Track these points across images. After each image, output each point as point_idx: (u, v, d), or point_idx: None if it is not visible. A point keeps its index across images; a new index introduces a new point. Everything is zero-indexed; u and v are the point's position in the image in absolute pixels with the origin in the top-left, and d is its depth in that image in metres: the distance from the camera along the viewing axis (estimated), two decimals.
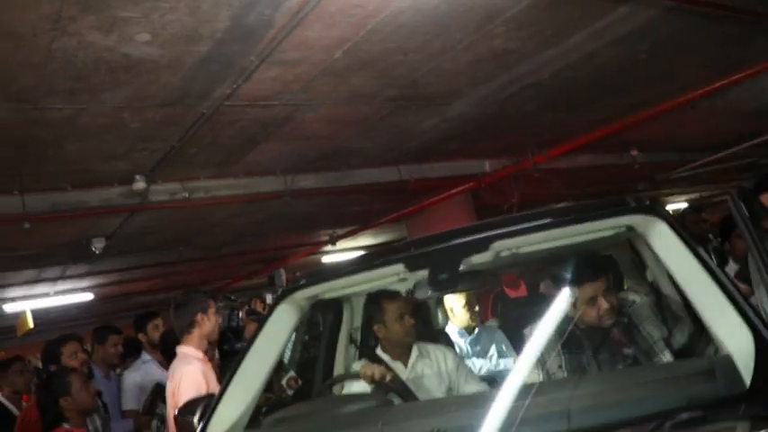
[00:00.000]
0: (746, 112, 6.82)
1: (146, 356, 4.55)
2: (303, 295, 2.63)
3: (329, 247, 9.42)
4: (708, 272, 1.95)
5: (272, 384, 2.87)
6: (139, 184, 4.85)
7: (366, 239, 9.68)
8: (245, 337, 3.89)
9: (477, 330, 3.78)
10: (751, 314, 1.78)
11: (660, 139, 7.44)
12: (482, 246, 2.27)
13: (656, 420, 1.47)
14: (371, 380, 2.32)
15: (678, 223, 2.17)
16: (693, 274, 2.00)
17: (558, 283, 2.60)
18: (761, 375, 1.58)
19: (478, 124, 5.36)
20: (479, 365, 3.65)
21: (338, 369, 3.21)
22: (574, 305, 2.43)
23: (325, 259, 10.47)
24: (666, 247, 2.14)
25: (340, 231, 8.84)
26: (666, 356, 2.45)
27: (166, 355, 4.16)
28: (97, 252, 6.47)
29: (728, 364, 1.64)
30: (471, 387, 2.85)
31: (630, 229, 2.36)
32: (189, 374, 3.19)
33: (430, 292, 2.30)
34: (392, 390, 2.28)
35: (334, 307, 3.27)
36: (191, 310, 3.41)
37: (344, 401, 2.21)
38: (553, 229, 2.31)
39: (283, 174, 5.62)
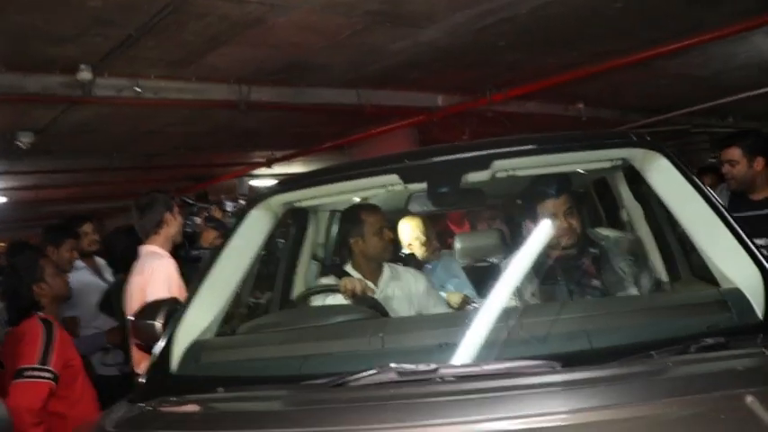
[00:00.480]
0: (698, 79, 6.96)
1: (79, 263, 4.22)
2: (279, 201, 2.48)
3: (262, 171, 9.16)
4: (713, 209, 1.94)
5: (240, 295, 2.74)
6: (84, 75, 4.44)
7: (301, 167, 9.46)
8: (202, 244, 3.70)
9: (433, 263, 3.74)
10: (756, 251, 1.78)
11: (608, 96, 7.53)
12: (483, 163, 2.18)
13: (675, 345, 1.44)
14: (352, 294, 2.21)
15: (680, 159, 2.16)
16: (696, 211, 1.98)
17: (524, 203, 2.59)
18: None
19: (445, 54, 5.22)
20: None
21: (299, 285, 3.09)
22: (533, 223, 2.44)
23: (255, 183, 10.15)
24: (667, 182, 2.12)
25: (278, 154, 8.59)
26: (632, 292, 2.47)
27: (112, 259, 3.92)
28: (23, 147, 5.99)
29: (740, 296, 1.63)
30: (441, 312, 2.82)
31: (625, 164, 2.35)
32: (161, 268, 3.02)
33: (428, 206, 2.20)
34: (373, 306, 2.18)
35: (297, 220, 3.12)
36: (158, 209, 3.23)
37: (327, 312, 2.10)
38: (555, 153, 2.27)
39: (238, 83, 5.31)
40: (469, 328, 1.67)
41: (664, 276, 2.77)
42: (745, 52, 5.95)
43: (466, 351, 1.58)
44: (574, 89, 6.58)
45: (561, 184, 2.50)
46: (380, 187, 2.37)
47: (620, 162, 2.36)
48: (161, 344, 1.90)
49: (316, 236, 3.21)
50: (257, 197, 2.47)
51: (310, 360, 1.63)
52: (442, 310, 2.86)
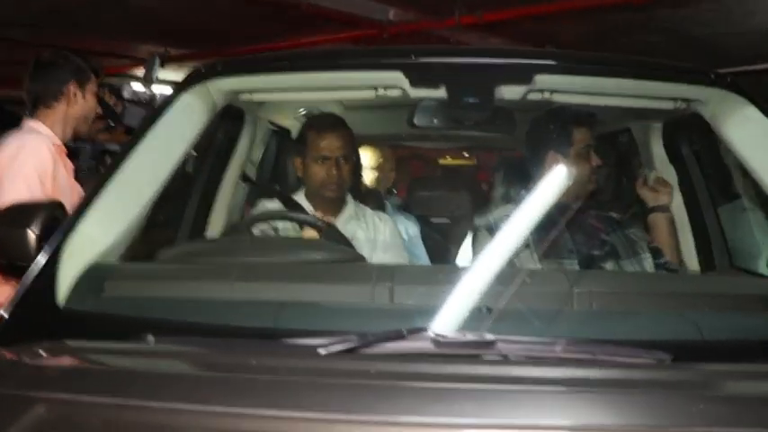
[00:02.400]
0: (695, 40, 6.93)
1: None
2: (222, 87, 2.10)
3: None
4: None
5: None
6: None
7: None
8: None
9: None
10: None
11: (584, 46, 7.41)
12: (524, 74, 1.91)
13: None
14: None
15: None
16: None
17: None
18: None
19: None
20: None
21: (220, 209, 2.72)
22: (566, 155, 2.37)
23: (135, 86, 9.33)
24: (755, 137, 1.93)
25: (174, 51, 7.93)
26: (647, 259, 2.41)
27: None
28: None
29: None
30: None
31: (687, 110, 2.16)
32: (32, 145, 2.58)
33: (444, 122, 1.90)
34: (342, 247, 1.87)
35: (227, 124, 2.74)
36: (63, 76, 2.76)
37: (297, 247, 1.76)
38: (614, 77, 2.03)
39: None
40: (517, 290, 1.40)
41: (693, 259, 2.64)
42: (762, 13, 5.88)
43: (519, 322, 1.31)
44: (549, 28, 6.38)
45: (586, 113, 2.42)
46: (369, 88, 2.05)
47: (682, 105, 2.17)
48: (38, 263, 1.52)
49: (250, 150, 2.84)
50: (192, 78, 2.08)
51: (290, 309, 1.30)
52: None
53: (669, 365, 1.14)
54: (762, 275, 2.65)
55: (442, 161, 7.61)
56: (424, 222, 3.55)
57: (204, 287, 1.43)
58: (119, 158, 1.84)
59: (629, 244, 2.44)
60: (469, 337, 1.15)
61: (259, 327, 1.26)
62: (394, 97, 2.05)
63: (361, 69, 1.99)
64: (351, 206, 2.63)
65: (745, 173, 3.37)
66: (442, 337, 1.14)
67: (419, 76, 1.90)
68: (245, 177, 2.86)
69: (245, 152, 2.81)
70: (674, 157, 2.75)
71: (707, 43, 6.92)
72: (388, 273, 1.42)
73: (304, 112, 3.10)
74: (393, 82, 1.96)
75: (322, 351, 1.11)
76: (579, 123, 2.39)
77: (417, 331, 1.15)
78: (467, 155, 7.48)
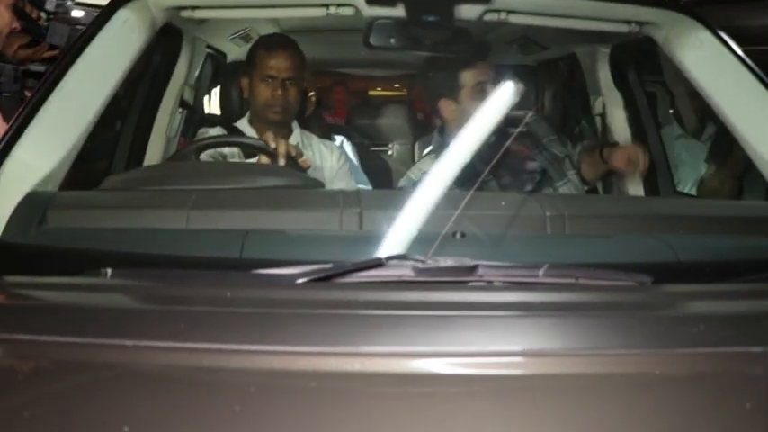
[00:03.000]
0: None
1: None
2: (162, 1, 1.96)
3: None
4: None
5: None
6: None
7: None
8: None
9: None
10: None
11: None
12: None
13: None
14: (284, 156, 1.79)
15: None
16: (754, 104, 1.79)
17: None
18: None
19: None
20: None
21: (157, 138, 2.57)
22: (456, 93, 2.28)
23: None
24: (710, 63, 1.91)
25: None
26: (573, 176, 2.40)
27: None
28: None
29: None
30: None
31: (639, 33, 2.12)
32: None
33: (401, 41, 1.81)
34: (300, 173, 1.78)
35: (164, 46, 2.57)
36: None
37: (250, 172, 1.66)
38: None
39: None
40: (489, 215, 1.36)
41: (638, 185, 2.65)
42: None
43: (498, 247, 1.26)
44: None
45: (477, 47, 2.28)
46: (320, 6, 1.94)
47: (636, 28, 2.13)
48: None
49: (188, 74, 2.68)
50: None
51: (257, 238, 1.22)
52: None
53: (650, 287, 1.12)
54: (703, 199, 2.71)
55: (372, 92, 7.35)
56: (363, 150, 3.48)
57: (160, 216, 1.32)
58: (51, 80, 1.69)
59: (558, 164, 2.42)
60: (450, 262, 1.10)
61: (226, 257, 1.18)
62: (345, 17, 1.95)
63: None
64: (297, 133, 2.53)
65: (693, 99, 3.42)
66: (423, 263, 1.08)
67: None
68: (183, 103, 2.72)
69: (184, 76, 2.65)
70: (621, 82, 2.73)
71: None
72: (354, 198, 1.35)
73: (239, 34, 2.97)
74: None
75: (299, 281, 1.04)
76: (466, 63, 2.29)
77: (396, 258, 1.09)
78: (398, 86, 7.27)
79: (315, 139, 2.60)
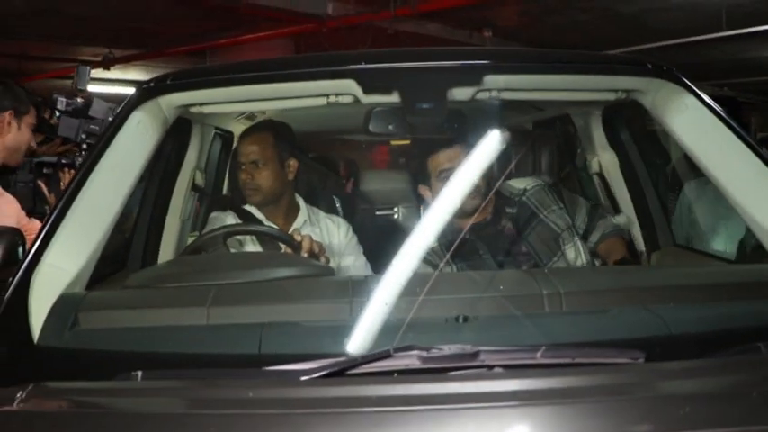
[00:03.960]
0: (622, 17, 7.12)
1: None
2: (173, 102, 2.07)
3: (96, 74, 8.27)
4: (760, 158, 1.83)
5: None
6: None
7: (143, 73, 8.69)
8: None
9: None
10: None
11: (521, 27, 7.54)
12: (474, 76, 1.94)
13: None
14: (310, 252, 1.89)
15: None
16: (740, 164, 1.87)
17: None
18: None
19: None
20: None
21: (173, 223, 2.67)
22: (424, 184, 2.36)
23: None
24: (695, 126, 1.99)
25: (118, 53, 7.74)
26: (579, 246, 2.43)
27: None
28: None
29: None
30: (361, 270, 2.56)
31: (627, 99, 2.22)
32: None
33: (400, 128, 1.91)
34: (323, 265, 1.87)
35: (175, 134, 2.69)
36: (0, 103, 2.65)
37: (267, 263, 1.74)
38: (557, 73, 2.07)
39: None
40: (489, 298, 1.44)
41: (639, 240, 2.71)
42: None
43: (497, 330, 1.34)
44: (484, 14, 6.52)
45: (461, 126, 2.30)
46: (321, 96, 2.05)
47: (623, 96, 2.22)
48: (5, 298, 1.48)
49: (199, 157, 2.80)
50: (141, 94, 2.04)
51: (270, 332, 1.30)
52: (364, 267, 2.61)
53: (641, 365, 1.19)
54: (702, 253, 2.77)
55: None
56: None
57: (182, 314, 1.41)
58: (75, 184, 1.80)
59: (554, 240, 2.42)
60: (453, 350, 1.18)
61: (245, 353, 1.26)
62: (346, 104, 2.06)
63: (313, 79, 1.98)
64: (304, 210, 2.61)
65: (683, 156, 3.50)
66: (428, 352, 1.16)
67: (372, 84, 1.90)
68: (195, 186, 2.83)
69: (195, 161, 2.77)
70: (615, 141, 2.82)
71: (633, 20, 7.13)
72: (360, 287, 1.44)
73: (245, 115, 3.09)
74: (345, 90, 1.96)
75: (308, 377, 1.12)
76: (433, 151, 2.36)
77: (403, 349, 1.17)
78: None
79: (322, 214, 2.68)
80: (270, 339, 1.29)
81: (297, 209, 2.60)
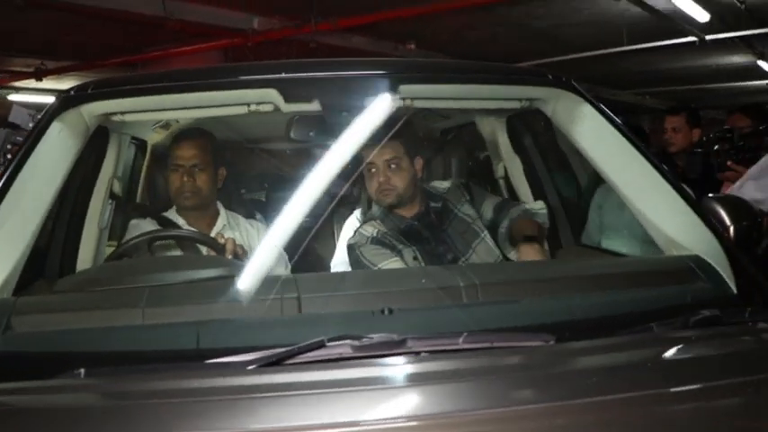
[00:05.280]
0: (537, 31, 7.43)
1: None
2: (94, 111, 2.07)
3: (26, 83, 8.08)
4: (654, 167, 1.98)
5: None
6: None
7: (72, 83, 8.49)
8: None
9: None
10: (703, 211, 1.86)
11: (444, 40, 7.75)
12: (391, 85, 2.03)
13: (668, 317, 1.43)
14: (233, 254, 1.93)
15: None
16: (632, 168, 2.01)
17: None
18: (743, 279, 1.65)
19: None
20: None
21: (91, 230, 2.65)
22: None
23: (16, 98, 8.94)
24: (591, 132, 2.13)
25: (51, 65, 7.75)
26: (487, 238, 2.55)
27: None
28: None
29: (707, 264, 1.67)
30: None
31: (529, 107, 2.35)
32: None
33: (320, 134, 1.98)
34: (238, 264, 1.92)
35: (92, 144, 2.66)
36: None
37: (194, 265, 1.77)
38: (467, 83, 2.19)
39: None
40: (411, 291, 1.53)
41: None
42: (588, 9, 6.45)
43: (421, 320, 1.44)
44: (408, 27, 6.68)
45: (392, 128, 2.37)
46: (242, 104, 2.10)
47: (526, 104, 2.36)
48: None
49: (116, 167, 2.78)
50: (62, 103, 2.04)
51: (207, 329, 1.35)
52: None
53: (554, 346, 1.31)
54: (602, 250, 2.96)
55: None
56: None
57: (116, 315, 1.44)
58: None
59: (469, 233, 2.54)
60: (381, 338, 1.26)
61: (180, 349, 1.31)
62: (266, 112, 2.11)
63: (235, 88, 2.03)
64: (223, 215, 2.63)
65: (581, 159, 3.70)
66: (359, 341, 1.24)
67: (293, 93, 1.97)
68: (112, 195, 2.81)
69: (112, 169, 2.75)
70: (518, 147, 2.97)
71: (544, 34, 7.45)
72: (291, 284, 1.50)
73: (160, 125, 3.08)
74: (266, 98, 2.01)
75: (250, 367, 1.18)
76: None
77: (336, 339, 1.24)
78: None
79: (241, 219, 2.70)
80: (207, 336, 1.33)
81: (217, 214, 2.62)
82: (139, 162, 3.21)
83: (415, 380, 1.15)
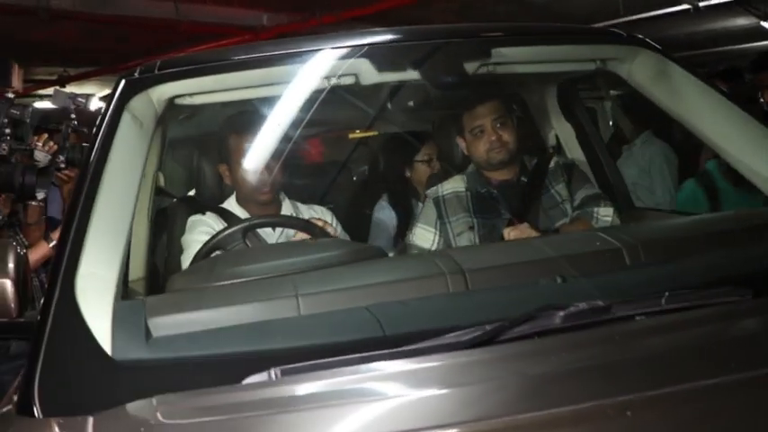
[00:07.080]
0: (534, 6, 7.43)
1: None
2: (163, 94, 1.91)
3: (51, 91, 8.03)
4: (745, 115, 1.93)
5: None
6: None
7: (97, 88, 8.78)
8: None
9: None
10: None
11: (447, 17, 7.71)
12: (484, 49, 1.94)
13: None
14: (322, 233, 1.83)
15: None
16: (726, 119, 1.95)
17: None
18: None
19: None
20: None
21: (140, 225, 2.47)
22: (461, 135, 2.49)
23: (40, 105, 8.77)
24: (674, 88, 2.06)
25: (73, 71, 8.09)
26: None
27: None
28: None
29: None
30: None
31: (599, 69, 2.28)
32: None
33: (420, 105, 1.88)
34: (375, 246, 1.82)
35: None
36: None
37: (315, 251, 1.64)
38: (547, 44, 2.13)
39: None
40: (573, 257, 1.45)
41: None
42: None
43: (604, 286, 1.35)
44: (408, 13, 6.67)
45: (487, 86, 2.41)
46: (324, 78, 1.97)
47: (600, 65, 2.26)
48: (48, 317, 1.32)
49: (160, 159, 2.61)
50: (130, 87, 1.89)
51: (386, 313, 1.24)
52: None
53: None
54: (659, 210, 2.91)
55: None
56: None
57: (268, 307, 1.31)
58: (87, 186, 1.64)
59: (553, 207, 2.51)
60: (585, 305, 1.18)
61: (370, 337, 1.20)
62: (347, 85, 1.99)
63: (318, 60, 1.90)
64: (287, 204, 2.46)
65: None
66: (569, 310, 1.15)
67: (385, 61, 1.86)
68: (160, 191, 2.65)
69: (156, 162, 2.60)
70: (570, 114, 2.90)
71: (546, 9, 7.50)
72: (451, 261, 1.40)
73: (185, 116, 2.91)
74: (353, 69, 1.89)
75: (467, 341, 1.10)
76: (468, 108, 2.46)
77: (543, 310, 1.16)
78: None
79: (302, 206, 2.53)
80: (387, 320, 1.23)
81: (280, 203, 2.46)
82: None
83: (656, 345, 1.07)
